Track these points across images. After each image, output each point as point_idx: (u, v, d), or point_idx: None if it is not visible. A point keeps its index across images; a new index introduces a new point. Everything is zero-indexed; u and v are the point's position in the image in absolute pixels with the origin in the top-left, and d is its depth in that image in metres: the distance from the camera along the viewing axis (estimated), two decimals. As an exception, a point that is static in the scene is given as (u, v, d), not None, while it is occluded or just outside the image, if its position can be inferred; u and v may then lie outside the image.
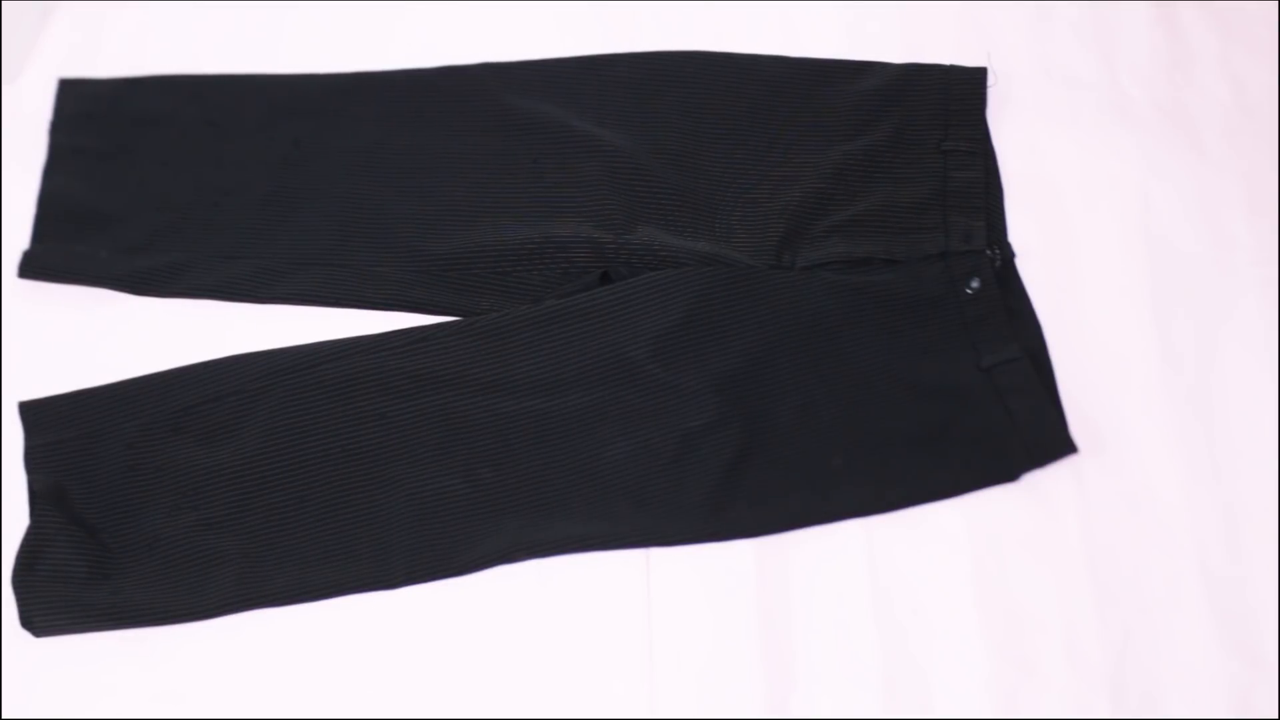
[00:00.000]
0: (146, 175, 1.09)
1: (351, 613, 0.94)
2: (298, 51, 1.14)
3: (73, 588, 0.94)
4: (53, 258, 1.06)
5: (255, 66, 1.13)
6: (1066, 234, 1.01)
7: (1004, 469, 0.93)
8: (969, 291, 0.97)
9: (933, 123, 1.03)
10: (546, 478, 0.95)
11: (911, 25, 1.11)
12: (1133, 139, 1.04)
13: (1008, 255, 0.99)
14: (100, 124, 1.11)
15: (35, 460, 0.98)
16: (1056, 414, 0.94)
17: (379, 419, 0.97)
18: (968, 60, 1.06)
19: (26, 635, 0.94)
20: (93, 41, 1.17)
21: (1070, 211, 1.02)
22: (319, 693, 0.92)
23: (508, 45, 1.12)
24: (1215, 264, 0.99)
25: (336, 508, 0.95)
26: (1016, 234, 1.01)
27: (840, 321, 0.97)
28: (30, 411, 0.99)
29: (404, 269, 1.03)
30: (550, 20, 1.14)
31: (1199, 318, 0.98)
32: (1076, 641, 0.89)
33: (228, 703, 0.92)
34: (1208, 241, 1.00)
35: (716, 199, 1.02)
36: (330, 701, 0.91)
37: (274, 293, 1.04)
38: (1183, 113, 1.05)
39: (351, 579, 0.94)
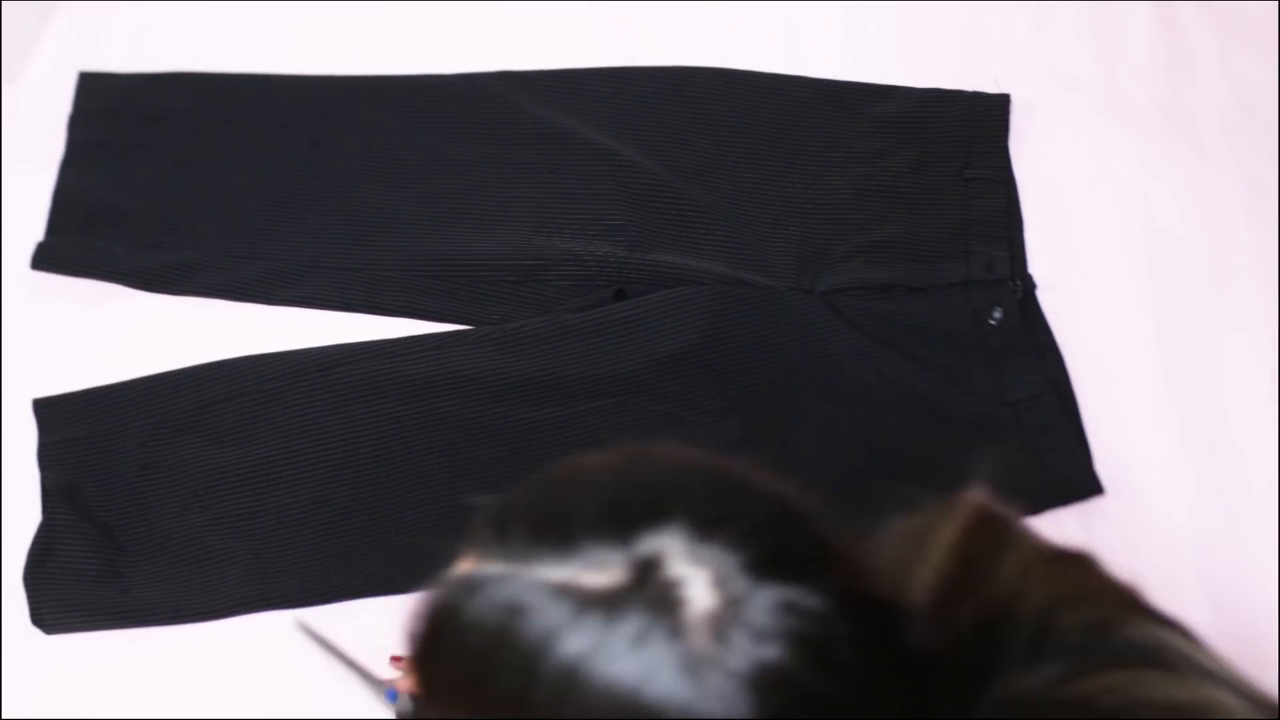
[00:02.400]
0: (163, 172, 1.09)
1: (358, 617, 0.93)
2: (297, 52, 1.14)
3: (84, 585, 0.94)
4: (67, 251, 1.06)
5: (254, 67, 1.12)
6: (1066, 234, 1.01)
7: (1026, 504, 0.91)
8: (991, 322, 0.96)
9: (955, 149, 1.02)
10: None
11: (911, 25, 1.11)
12: (1133, 139, 1.04)
13: (1029, 286, 0.98)
14: (119, 119, 1.11)
15: (48, 457, 0.98)
16: (1084, 453, 0.92)
17: (392, 423, 0.96)
18: (967, 60, 1.07)
19: (27, 635, 0.94)
20: (93, 41, 1.16)
21: (1069, 211, 1.02)
22: (320, 693, 0.91)
23: (524, 50, 1.11)
24: (1215, 264, 0.99)
25: (348, 511, 0.95)
26: (1016, 234, 1.01)
27: (862, 347, 0.96)
28: (44, 409, 0.99)
29: (416, 276, 1.03)
30: (570, 25, 1.13)
31: (1199, 317, 0.98)
32: (1077, 641, 0.89)
33: (228, 703, 0.92)
34: (1208, 242, 1.00)
35: (734, 219, 1.01)
36: (334, 704, 0.91)
37: (285, 295, 1.04)
38: (1183, 113, 1.05)
39: (361, 583, 0.94)
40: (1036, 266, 1.00)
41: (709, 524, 0.48)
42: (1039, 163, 1.04)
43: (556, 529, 0.49)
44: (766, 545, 0.48)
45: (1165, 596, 0.88)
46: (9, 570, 0.96)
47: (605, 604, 0.46)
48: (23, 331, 1.05)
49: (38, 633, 0.94)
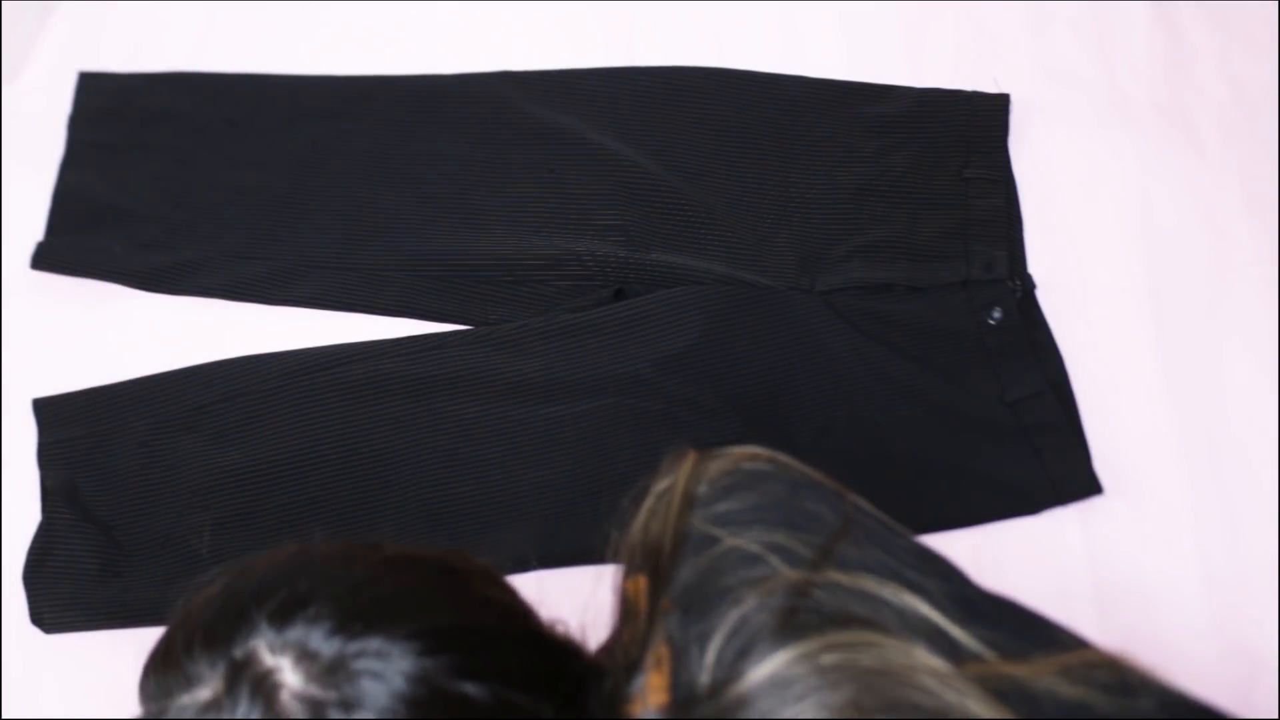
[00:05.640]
0: (163, 171, 1.09)
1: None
2: (297, 52, 1.14)
3: (83, 585, 0.94)
4: (66, 250, 1.07)
5: (254, 67, 1.13)
6: (1065, 233, 1.01)
7: (1026, 503, 0.91)
8: (991, 322, 0.96)
9: (954, 149, 1.02)
10: (558, 485, 0.94)
11: (911, 25, 1.11)
12: (1132, 139, 1.04)
13: (1028, 286, 0.98)
14: (119, 119, 1.11)
15: (48, 457, 0.99)
16: (1083, 453, 0.92)
17: (391, 423, 0.97)
18: (967, 60, 1.06)
19: (27, 635, 0.94)
20: (93, 41, 1.17)
21: (1069, 211, 1.02)
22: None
23: (524, 50, 1.12)
24: (1214, 263, 0.99)
25: (347, 511, 0.95)
26: (1015, 234, 1.01)
27: (861, 347, 0.96)
28: (44, 408, 0.99)
29: (416, 276, 1.03)
30: (570, 25, 1.13)
31: (1198, 317, 0.97)
32: (1077, 641, 0.89)
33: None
34: (1207, 241, 1.00)
35: (734, 218, 1.01)
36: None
37: (285, 295, 1.04)
38: (1182, 112, 1.05)
39: (361, 582, 0.94)
40: (1036, 266, 1.00)
41: (290, 610, 0.54)
42: (1039, 163, 1.04)
43: (171, 665, 0.55)
44: (346, 607, 0.54)
45: (1165, 596, 0.90)
46: (9, 570, 0.96)
47: (213, 712, 0.52)
48: (23, 331, 1.05)
49: (37, 633, 0.94)
